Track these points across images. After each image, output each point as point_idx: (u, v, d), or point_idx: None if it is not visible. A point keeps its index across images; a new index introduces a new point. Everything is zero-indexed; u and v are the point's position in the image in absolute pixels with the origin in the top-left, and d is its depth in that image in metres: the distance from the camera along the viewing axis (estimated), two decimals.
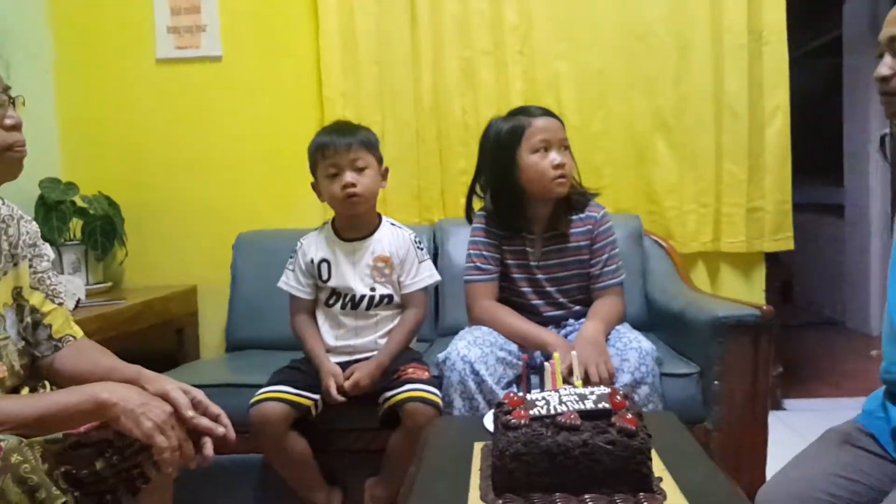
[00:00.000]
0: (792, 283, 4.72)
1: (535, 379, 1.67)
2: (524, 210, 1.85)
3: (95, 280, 2.55)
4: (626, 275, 1.94)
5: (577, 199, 1.87)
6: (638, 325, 1.93)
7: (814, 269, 4.43)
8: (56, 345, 1.31)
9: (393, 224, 1.90)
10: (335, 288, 1.83)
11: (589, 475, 0.90)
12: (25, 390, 1.26)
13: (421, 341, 2.10)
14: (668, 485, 0.94)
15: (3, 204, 1.29)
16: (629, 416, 0.93)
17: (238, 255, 2.51)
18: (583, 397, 0.97)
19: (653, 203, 2.61)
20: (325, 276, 1.83)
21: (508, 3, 2.55)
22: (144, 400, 1.10)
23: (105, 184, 2.64)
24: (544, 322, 1.86)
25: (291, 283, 1.87)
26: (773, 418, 1.92)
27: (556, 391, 1.00)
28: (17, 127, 1.17)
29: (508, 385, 1.73)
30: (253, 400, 1.68)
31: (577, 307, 1.90)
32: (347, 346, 1.81)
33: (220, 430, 1.14)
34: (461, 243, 2.41)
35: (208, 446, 1.13)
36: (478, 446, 1.13)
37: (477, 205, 1.98)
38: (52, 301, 1.33)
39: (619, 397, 0.97)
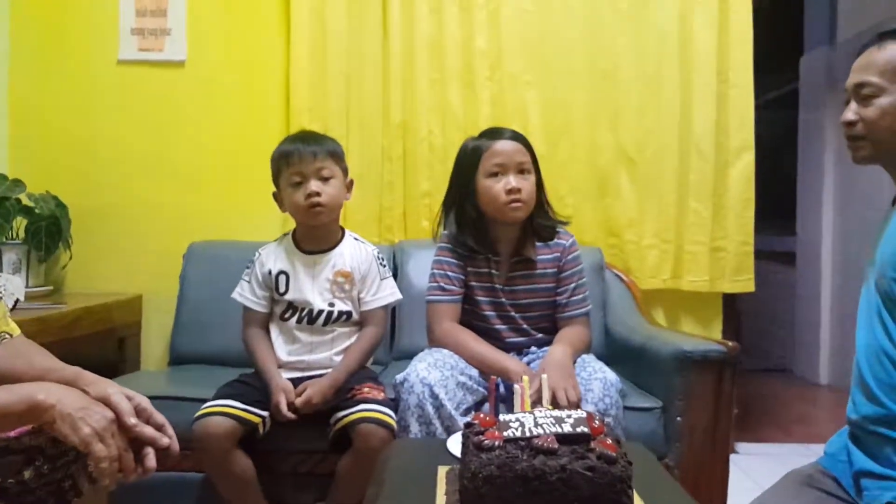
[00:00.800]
0: (741, 328, 4.80)
1: (500, 406, 1.61)
2: (486, 232, 1.81)
3: (36, 283, 2.41)
4: None
5: (543, 225, 1.84)
6: (598, 358, 1.89)
7: (763, 315, 4.51)
8: None
9: (356, 239, 1.84)
10: (292, 301, 1.75)
11: (565, 502, 0.84)
12: None
13: (375, 364, 2.02)
14: None
15: None
16: (609, 441, 0.88)
17: (188, 264, 2.40)
18: (559, 420, 0.92)
19: (613, 236, 2.61)
20: (282, 289, 1.75)
21: (480, 29, 2.55)
22: (84, 404, 0.99)
23: (55, 184, 2.52)
24: (506, 348, 1.81)
25: (246, 294, 1.78)
26: None
27: (531, 413, 0.95)
28: None
29: (467, 411, 1.67)
30: (197, 414, 1.58)
31: (540, 335, 1.86)
32: (301, 361, 1.73)
33: (165, 440, 1.04)
34: (421, 266, 2.37)
35: (150, 457, 1.03)
36: (442, 470, 1.06)
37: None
38: None
39: (596, 422, 0.92)
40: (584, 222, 2.55)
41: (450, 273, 1.82)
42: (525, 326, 1.84)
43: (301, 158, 1.69)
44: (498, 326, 1.84)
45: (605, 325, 2.31)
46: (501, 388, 1.66)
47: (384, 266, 1.82)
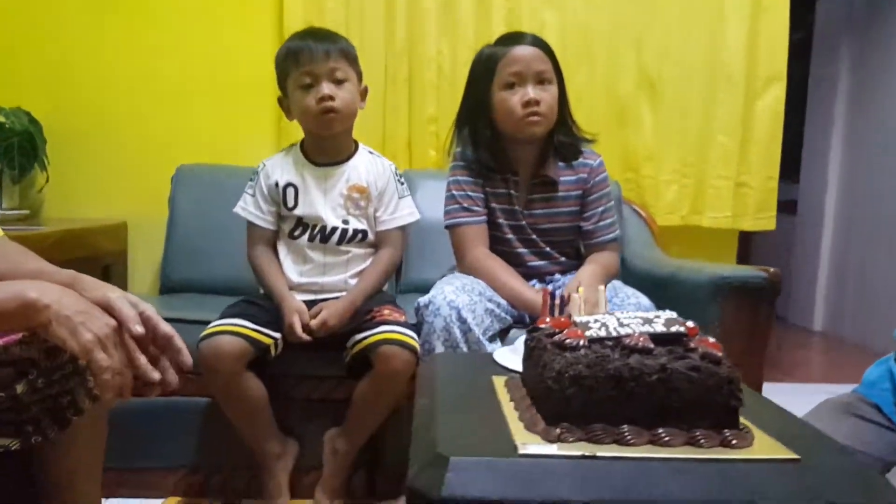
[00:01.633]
0: None
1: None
2: (503, 151, 1.66)
3: (10, 206, 2.23)
4: None
5: (565, 142, 1.69)
6: None
7: (760, 262, 4.46)
8: None
9: (371, 152, 1.69)
10: (302, 217, 1.60)
11: (663, 406, 0.73)
12: None
13: None
14: (746, 423, 0.78)
15: None
16: (711, 340, 0.77)
17: (177, 189, 2.23)
18: (647, 320, 0.80)
19: (631, 170, 2.48)
20: (290, 203, 1.60)
21: None
22: (84, 307, 0.84)
23: (26, 99, 2.31)
24: (529, 273, 1.69)
25: (250, 209, 1.63)
26: None
27: (611, 314, 0.83)
28: None
29: (493, 339, 1.55)
30: (204, 333, 1.44)
31: (564, 259, 1.74)
32: (313, 283, 1.59)
33: (155, 375, 0.88)
34: (429, 196, 2.22)
35: (170, 372, 0.89)
36: (498, 380, 0.94)
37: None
38: None
39: (690, 323, 0.81)
40: (601, 154, 2.42)
41: (470, 193, 1.67)
42: (548, 250, 1.72)
43: (312, 57, 1.52)
44: (520, 251, 1.71)
45: (623, 259, 2.20)
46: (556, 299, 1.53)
47: (402, 183, 1.68)
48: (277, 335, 1.50)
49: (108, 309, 0.87)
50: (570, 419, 0.73)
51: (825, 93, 3.88)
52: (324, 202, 1.60)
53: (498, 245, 1.71)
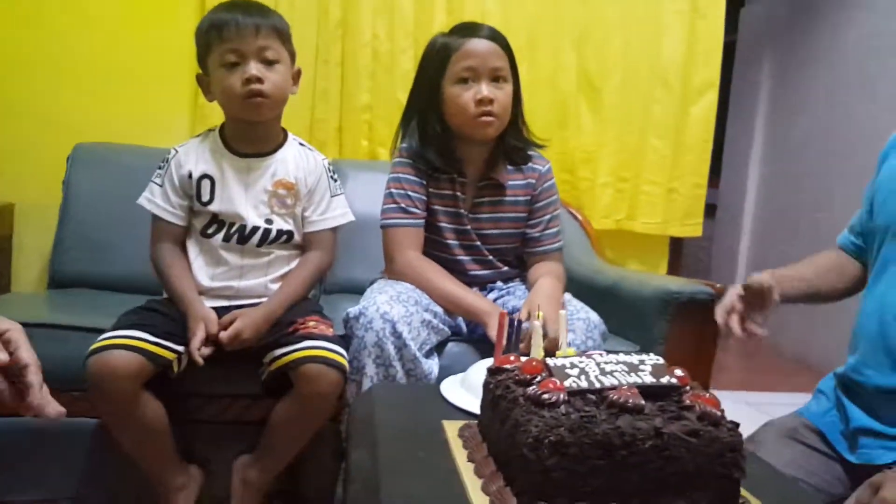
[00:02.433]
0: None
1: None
2: (451, 149, 1.54)
3: None
4: None
5: (515, 146, 1.58)
6: None
7: (688, 266, 4.54)
8: None
9: (302, 144, 1.51)
10: (218, 214, 1.41)
11: (657, 477, 0.62)
12: None
13: None
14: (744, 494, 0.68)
15: None
16: (706, 395, 0.66)
17: (74, 169, 1.99)
18: (633, 367, 0.69)
19: (567, 172, 2.41)
20: (205, 198, 1.41)
21: None
22: None
23: None
24: (469, 282, 1.57)
25: (158, 201, 1.42)
26: None
27: (589, 357, 0.71)
28: None
29: (430, 353, 1.42)
30: (93, 347, 1.22)
31: (506, 268, 1.64)
32: (228, 287, 1.41)
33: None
34: (360, 189, 2.08)
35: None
36: (451, 427, 0.81)
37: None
38: None
39: (678, 371, 0.70)
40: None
41: (411, 193, 1.53)
42: (490, 258, 1.61)
43: (239, 32, 1.33)
44: (461, 257, 1.59)
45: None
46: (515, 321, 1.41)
47: (335, 180, 1.51)
48: (181, 349, 1.30)
49: None
50: (550, 495, 0.60)
51: (747, 98, 3.95)
52: (244, 198, 1.41)
53: (437, 251, 1.58)
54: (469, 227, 1.57)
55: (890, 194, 1.17)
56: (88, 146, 2.02)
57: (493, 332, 1.31)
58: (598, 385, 0.66)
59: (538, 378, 0.68)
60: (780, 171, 3.73)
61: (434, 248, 1.57)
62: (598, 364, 0.70)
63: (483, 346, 1.44)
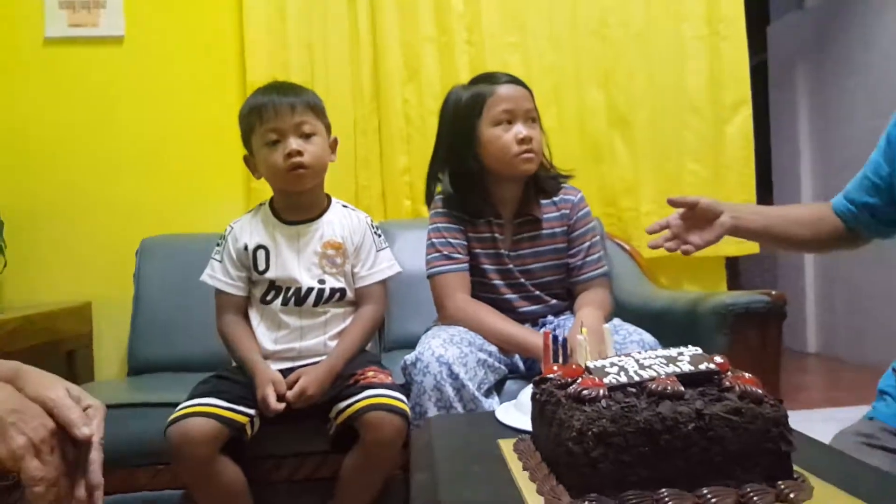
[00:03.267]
0: None
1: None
2: (488, 192, 1.60)
3: None
4: None
5: (547, 179, 1.65)
6: None
7: (750, 286, 4.42)
8: None
9: (345, 206, 1.60)
10: (274, 280, 1.49)
11: (704, 460, 0.63)
12: None
13: None
14: (798, 470, 0.68)
15: None
16: (746, 375, 0.67)
17: (143, 263, 2.13)
18: (671, 359, 0.71)
19: (610, 205, 2.44)
20: (261, 267, 1.50)
21: None
22: (18, 405, 0.72)
23: None
24: (521, 319, 1.60)
25: (219, 276, 1.52)
26: None
27: (628, 355, 0.73)
28: None
29: (489, 392, 1.44)
30: (172, 417, 1.30)
31: (555, 301, 1.66)
32: (290, 349, 1.48)
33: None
34: (409, 247, 2.15)
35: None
36: (506, 444, 0.83)
37: (438, 188, 1.71)
38: None
39: (718, 358, 0.71)
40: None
41: (451, 240, 1.59)
42: (537, 293, 1.63)
43: (277, 112, 1.44)
44: (508, 296, 1.62)
45: (614, 297, 2.12)
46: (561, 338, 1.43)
47: (379, 235, 1.58)
48: (253, 412, 1.37)
49: (47, 406, 0.75)
50: (599, 487, 0.62)
51: (786, 114, 3.91)
52: (297, 262, 1.50)
53: (484, 292, 1.62)
54: (511, 265, 1.61)
55: None
56: (154, 239, 2.16)
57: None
58: (637, 378, 0.68)
59: (579, 379, 0.71)
60: (831, 182, 3.65)
61: (481, 290, 1.61)
62: (636, 360, 0.72)
63: None
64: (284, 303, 1.49)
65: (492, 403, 1.41)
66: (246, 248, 1.50)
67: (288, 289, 1.49)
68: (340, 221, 1.55)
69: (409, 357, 1.41)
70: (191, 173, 2.33)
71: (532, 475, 0.71)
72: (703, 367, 0.69)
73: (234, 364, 1.49)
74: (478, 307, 1.55)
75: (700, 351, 0.73)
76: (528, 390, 1.02)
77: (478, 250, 1.61)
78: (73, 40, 2.31)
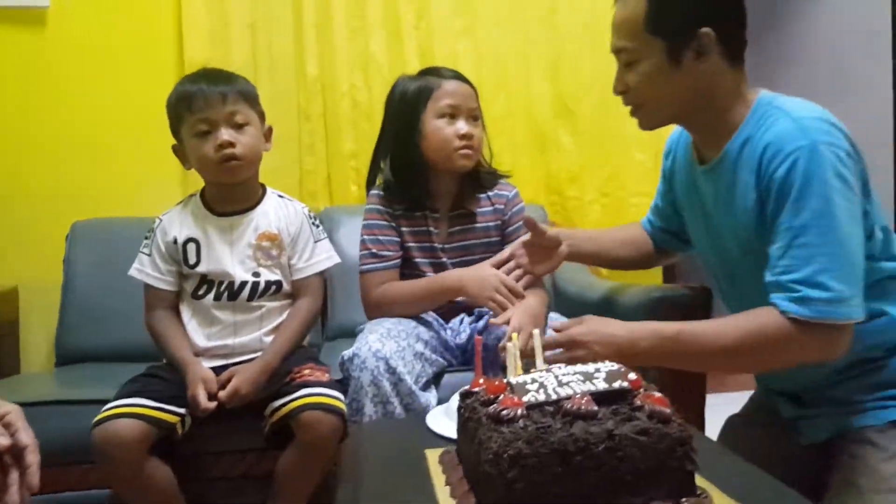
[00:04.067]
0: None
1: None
2: (427, 183, 1.61)
3: None
4: None
5: (485, 176, 1.67)
6: None
7: (685, 277, 4.52)
8: None
9: (281, 196, 1.57)
10: (206, 274, 1.45)
11: (614, 478, 0.64)
12: None
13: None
14: (703, 484, 0.70)
15: None
16: (656, 395, 0.68)
17: (73, 247, 2.05)
18: (588, 376, 0.72)
19: (555, 193, 2.45)
20: (192, 260, 1.46)
21: None
22: None
23: None
24: (455, 311, 1.62)
25: (147, 270, 1.47)
26: None
27: (549, 371, 0.74)
28: None
29: (427, 386, 1.44)
30: (98, 418, 1.26)
31: None
32: (223, 346, 1.44)
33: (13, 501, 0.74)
34: (353, 233, 2.09)
35: (13, 490, 0.74)
36: (431, 454, 0.83)
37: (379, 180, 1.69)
38: None
39: (632, 374, 0.72)
40: (524, 179, 2.36)
41: (381, 237, 1.59)
42: None
43: (207, 102, 1.39)
44: None
45: (554, 285, 2.15)
46: (493, 342, 1.44)
47: (317, 226, 1.56)
48: (183, 411, 1.34)
49: None
50: None
51: None
52: (230, 255, 1.46)
53: None
54: (444, 258, 1.62)
55: None
56: (85, 223, 2.08)
57: (476, 299, 1.46)
58: (554, 396, 0.69)
59: (501, 396, 0.71)
60: None
61: None
62: (556, 377, 0.72)
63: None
64: (217, 297, 1.45)
65: (429, 398, 1.42)
66: (175, 241, 1.46)
67: (220, 283, 1.45)
68: (276, 212, 1.51)
69: (347, 353, 1.40)
70: (125, 155, 2.24)
71: (453, 491, 0.72)
72: (616, 385, 0.70)
73: (164, 361, 1.46)
74: (394, 286, 1.57)
75: (616, 367, 0.73)
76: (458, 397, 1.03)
77: (411, 244, 1.62)
78: None
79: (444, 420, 0.97)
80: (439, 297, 1.55)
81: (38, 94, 2.20)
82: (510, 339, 0.96)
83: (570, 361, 1.01)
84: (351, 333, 1.97)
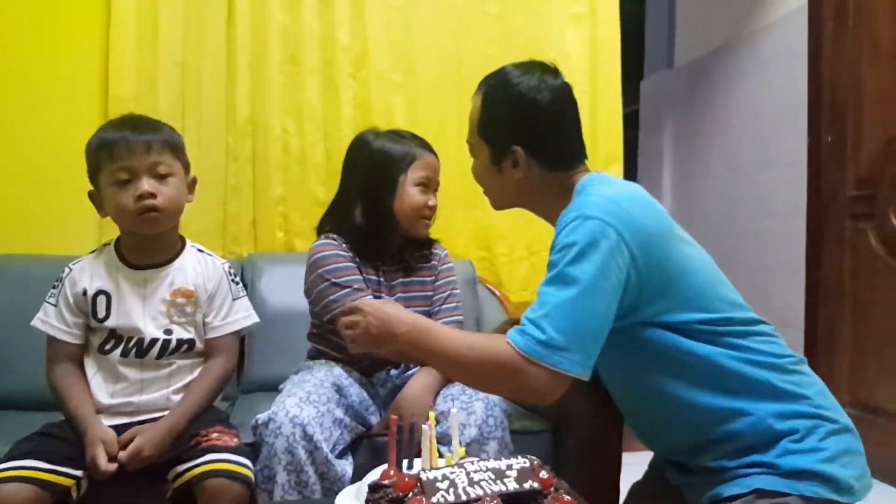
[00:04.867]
0: None
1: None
2: (388, 238, 1.67)
3: None
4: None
5: (428, 239, 1.77)
6: None
7: None
8: None
9: (201, 250, 1.52)
10: (115, 329, 1.39)
11: None
12: None
13: (222, 400, 1.69)
14: None
15: None
16: (566, 497, 0.68)
17: None
18: (499, 474, 0.71)
19: (484, 249, 2.48)
20: (101, 314, 1.39)
21: (341, 21, 2.32)
22: None
23: None
24: (379, 363, 1.62)
25: (52, 321, 1.39)
26: None
27: (461, 466, 0.73)
28: None
29: (342, 454, 1.41)
30: None
31: None
32: (128, 403, 1.37)
33: None
34: (276, 282, 2.10)
35: None
36: None
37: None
38: None
39: (543, 473, 0.72)
40: (455, 233, 2.40)
41: (343, 270, 1.59)
42: None
43: (130, 150, 1.34)
44: None
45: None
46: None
47: (237, 283, 1.51)
48: (80, 473, 1.26)
49: None
50: None
51: (654, 164, 4.14)
52: (142, 311, 1.40)
53: None
54: None
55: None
56: None
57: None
58: (464, 497, 0.68)
59: (410, 495, 0.69)
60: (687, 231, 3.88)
61: None
62: (468, 474, 0.71)
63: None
64: (124, 353, 1.38)
65: (345, 466, 1.40)
66: (85, 293, 1.39)
67: (129, 339, 1.39)
68: (194, 267, 1.46)
69: (262, 417, 1.36)
70: (36, 190, 2.14)
71: None
72: (527, 485, 0.70)
73: (63, 418, 1.37)
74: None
75: (528, 464, 0.73)
76: (373, 476, 1.00)
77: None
78: None
79: (352, 500, 0.95)
80: None
81: None
82: (428, 419, 0.96)
83: (345, 326, 1.23)
84: (269, 388, 1.92)
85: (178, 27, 2.20)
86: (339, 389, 1.49)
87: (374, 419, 1.56)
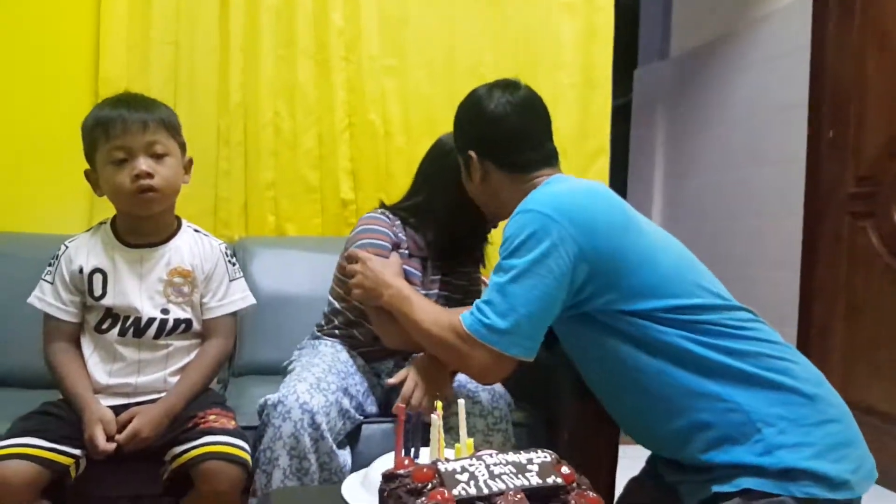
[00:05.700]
0: None
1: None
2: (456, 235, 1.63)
3: None
4: None
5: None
6: None
7: None
8: None
9: (197, 231, 1.51)
10: (111, 308, 1.38)
11: None
12: None
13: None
14: None
15: None
16: (590, 494, 0.70)
17: None
18: (520, 468, 0.72)
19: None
20: (97, 292, 1.38)
21: (335, 4, 2.30)
22: None
23: None
24: (384, 353, 1.60)
25: (48, 298, 1.38)
26: None
27: (479, 459, 0.73)
28: None
29: (342, 444, 1.41)
30: None
31: None
32: (125, 384, 1.37)
33: None
34: (267, 266, 2.09)
35: None
36: None
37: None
38: None
39: (565, 468, 0.73)
40: None
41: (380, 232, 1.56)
42: None
43: (126, 129, 1.33)
44: None
45: None
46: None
47: (233, 264, 1.51)
48: (79, 452, 1.26)
49: None
50: None
51: (646, 158, 4.15)
52: (139, 290, 1.39)
53: None
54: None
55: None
56: None
57: None
58: (486, 491, 0.69)
59: (429, 486, 0.70)
60: (676, 232, 3.91)
61: None
62: (487, 467, 0.72)
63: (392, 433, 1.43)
64: (122, 333, 1.38)
65: (345, 457, 1.39)
66: (81, 270, 1.38)
67: (126, 318, 1.38)
68: (191, 247, 1.46)
69: (272, 398, 1.35)
70: (29, 169, 2.11)
71: None
72: (549, 480, 0.71)
73: (60, 397, 1.36)
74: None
75: (548, 458, 0.74)
76: (378, 466, 1.01)
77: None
78: None
79: (360, 492, 0.95)
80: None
81: None
82: (436, 408, 0.96)
83: (344, 271, 1.45)
84: (261, 372, 1.92)
85: (170, 5, 2.17)
86: (345, 377, 1.48)
87: (372, 409, 1.55)
